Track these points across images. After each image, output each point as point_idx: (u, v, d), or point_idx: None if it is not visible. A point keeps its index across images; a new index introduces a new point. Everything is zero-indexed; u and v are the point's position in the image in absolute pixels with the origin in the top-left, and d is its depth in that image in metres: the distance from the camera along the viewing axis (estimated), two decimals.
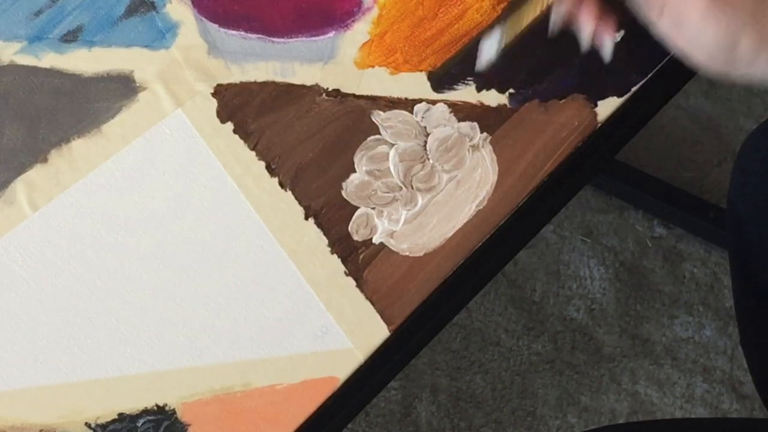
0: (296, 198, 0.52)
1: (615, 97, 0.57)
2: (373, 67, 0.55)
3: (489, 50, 0.52)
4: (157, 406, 0.49)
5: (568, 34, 0.57)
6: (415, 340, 0.55)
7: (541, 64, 0.57)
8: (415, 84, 0.55)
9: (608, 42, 0.50)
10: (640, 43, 0.55)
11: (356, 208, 0.53)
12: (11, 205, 0.50)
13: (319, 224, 0.52)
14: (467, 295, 0.57)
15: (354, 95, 0.54)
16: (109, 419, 0.48)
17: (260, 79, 0.54)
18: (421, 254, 0.53)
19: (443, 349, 1.16)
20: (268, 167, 0.53)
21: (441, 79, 0.55)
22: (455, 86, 0.55)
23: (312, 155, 0.53)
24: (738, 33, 0.45)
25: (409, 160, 0.54)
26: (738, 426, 0.69)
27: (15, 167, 0.51)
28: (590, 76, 0.56)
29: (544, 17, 0.51)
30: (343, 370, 0.50)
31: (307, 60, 0.55)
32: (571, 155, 0.55)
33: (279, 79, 0.54)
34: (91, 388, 0.48)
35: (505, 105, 0.56)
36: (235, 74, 0.54)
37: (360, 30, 0.56)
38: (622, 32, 0.50)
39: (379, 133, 0.54)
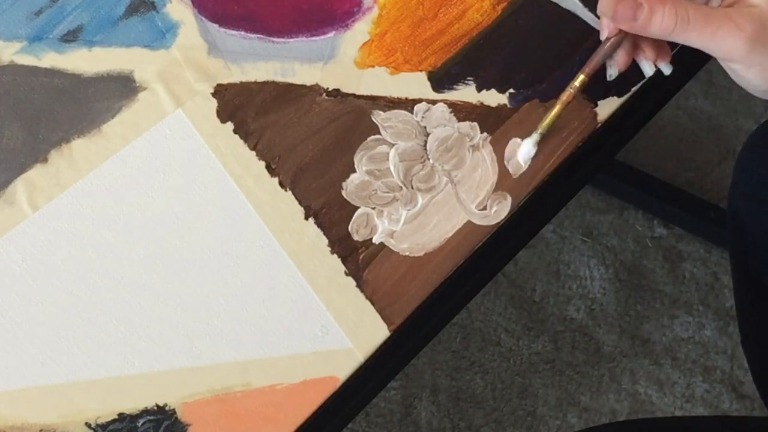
0: (296, 198, 0.52)
1: (615, 97, 0.57)
2: (373, 67, 0.55)
3: (526, 152, 0.53)
4: (157, 406, 0.49)
5: (566, 34, 0.57)
6: (415, 340, 0.55)
7: (541, 64, 0.57)
8: (415, 84, 0.55)
9: (666, 68, 0.53)
10: None
11: (356, 208, 0.53)
12: (11, 205, 0.50)
13: (319, 224, 0.52)
14: (467, 295, 0.57)
15: (354, 95, 0.54)
16: (109, 419, 0.48)
17: (260, 79, 0.54)
18: (421, 254, 0.53)
19: (443, 349, 1.16)
20: (268, 167, 0.53)
21: (441, 79, 0.55)
22: (455, 86, 0.55)
23: (312, 155, 0.53)
24: None
25: (409, 160, 0.54)
26: (737, 424, 0.69)
27: (15, 167, 0.51)
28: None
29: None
30: (343, 370, 0.50)
31: (307, 60, 0.55)
32: (571, 155, 0.55)
33: (279, 79, 0.54)
34: (91, 388, 0.48)
35: (505, 105, 0.56)
36: (235, 74, 0.54)
37: (360, 30, 0.56)
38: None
39: (379, 133, 0.54)
